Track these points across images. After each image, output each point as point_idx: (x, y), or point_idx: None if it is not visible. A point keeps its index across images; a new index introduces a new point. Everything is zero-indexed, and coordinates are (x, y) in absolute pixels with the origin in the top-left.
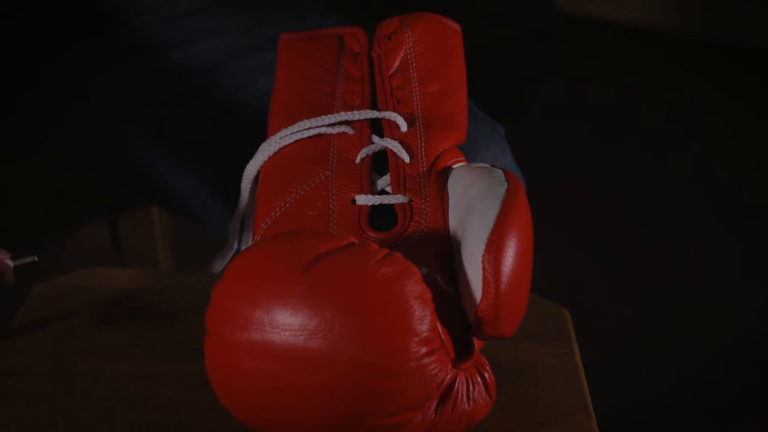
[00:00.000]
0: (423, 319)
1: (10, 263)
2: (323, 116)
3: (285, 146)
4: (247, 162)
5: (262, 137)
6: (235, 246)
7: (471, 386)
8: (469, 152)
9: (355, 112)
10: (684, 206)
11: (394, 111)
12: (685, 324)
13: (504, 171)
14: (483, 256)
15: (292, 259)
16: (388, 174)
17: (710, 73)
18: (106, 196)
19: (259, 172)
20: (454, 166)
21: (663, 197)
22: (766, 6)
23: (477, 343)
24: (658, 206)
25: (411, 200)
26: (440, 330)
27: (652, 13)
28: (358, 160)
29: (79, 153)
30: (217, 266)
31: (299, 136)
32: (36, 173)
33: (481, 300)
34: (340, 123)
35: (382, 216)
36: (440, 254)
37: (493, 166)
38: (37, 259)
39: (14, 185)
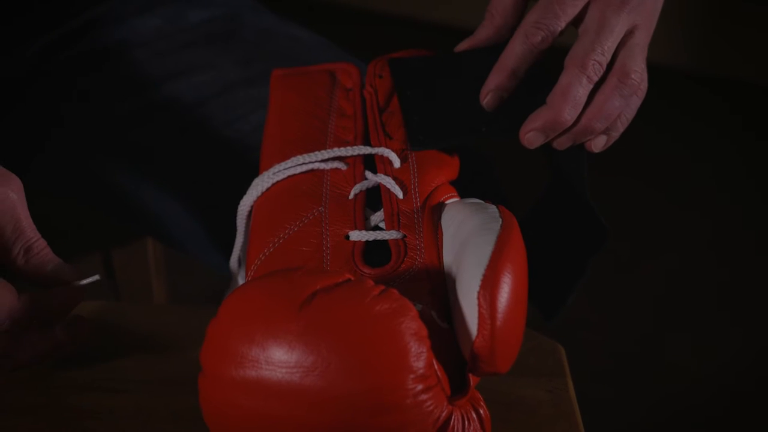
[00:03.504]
0: (419, 355)
1: (80, 283)
2: (316, 152)
3: (278, 182)
4: (241, 196)
5: (256, 171)
6: (238, 282)
7: (466, 422)
8: (462, 187)
9: (348, 147)
10: (680, 239)
11: (387, 147)
12: (683, 360)
13: (498, 206)
14: (478, 293)
15: (288, 296)
16: (382, 210)
17: (702, 107)
18: (100, 230)
19: (252, 207)
20: (447, 202)
21: (660, 230)
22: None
23: (472, 379)
24: (655, 239)
25: (405, 236)
26: (436, 366)
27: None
28: (351, 196)
29: (70, 184)
30: None
31: (292, 171)
32: (31, 206)
33: (477, 336)
34: (333, 159)
35: (376, 252)
36: (435, 290)
37: (486, 201)
38: (99, 278)
39: None
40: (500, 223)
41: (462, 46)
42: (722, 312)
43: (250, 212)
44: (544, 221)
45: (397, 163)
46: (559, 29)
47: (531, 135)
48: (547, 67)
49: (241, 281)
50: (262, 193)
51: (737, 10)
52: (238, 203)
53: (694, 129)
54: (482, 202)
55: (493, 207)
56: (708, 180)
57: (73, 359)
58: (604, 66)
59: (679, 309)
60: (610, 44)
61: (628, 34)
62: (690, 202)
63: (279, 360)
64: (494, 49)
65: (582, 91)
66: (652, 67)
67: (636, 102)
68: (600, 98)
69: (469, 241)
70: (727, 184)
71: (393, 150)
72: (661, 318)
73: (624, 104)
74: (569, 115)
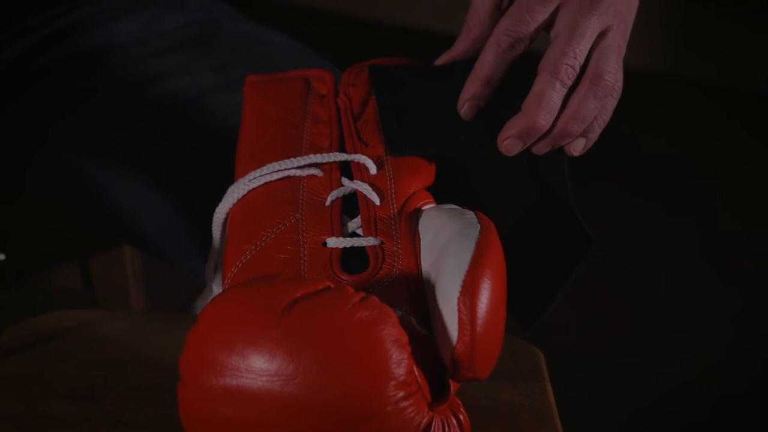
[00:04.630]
0: (400, 362)
1: None
2: (292, 159)
3: (253, 189)
4: (219, 201)
5: (233, 177)
6: (213, 290)
7: (447, 428)
8: (438, 193)
9: (324, 154)
10: (666, 243)
11: (362, 154)
12: (662, 365)
13: (475, 212)
14: (458, 299)
15: (268, 303)
16: (359, 216)
17: (683, 111)
18: (77, 238)
19: (228, 215)
20: (424, 208)
21: (645, 233)
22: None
23: (452, 385)
24: (639, 243)
25: (382, 242)
26: (416, 373)
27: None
28: (328, 203)
29: (49, 189)
30: (196, 310)
31: (268, 178)
32: (5, 213)
33: (457, 342)
34: (309, 165)
35: (353, 258)
36: (413, 296)
37: (463, 207)
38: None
39: None
40: (478, 228)
41: (441, 60)
42: (705, 317)
43: (225, 219)
44: (531, 234)
45: (373, 169)
46: (530, 35)
47: (508, 142)
48: (523, 74)
49: (217, 289)
50: (238, 201)
51: (730, 16)
52: (215, 209)
53: (690, 134)
54: (459, 208)
55: (471, 213)
56: (697, 185)
57: (49, 368)
58: (577, 69)
59: (657, 315)
60: (582, 48)
61: (601, 36)
62: (676, 206)
63: (259, 368)
64: (472, 61)
65: (556, 97)
66: (651, 75)
67: (612, 103)
68: (575, 102)
69: (448, 247)
70: (716, 189)
71: (368, 156)
72: (639, 324)
73: (599, 106)
74: (544, 120)
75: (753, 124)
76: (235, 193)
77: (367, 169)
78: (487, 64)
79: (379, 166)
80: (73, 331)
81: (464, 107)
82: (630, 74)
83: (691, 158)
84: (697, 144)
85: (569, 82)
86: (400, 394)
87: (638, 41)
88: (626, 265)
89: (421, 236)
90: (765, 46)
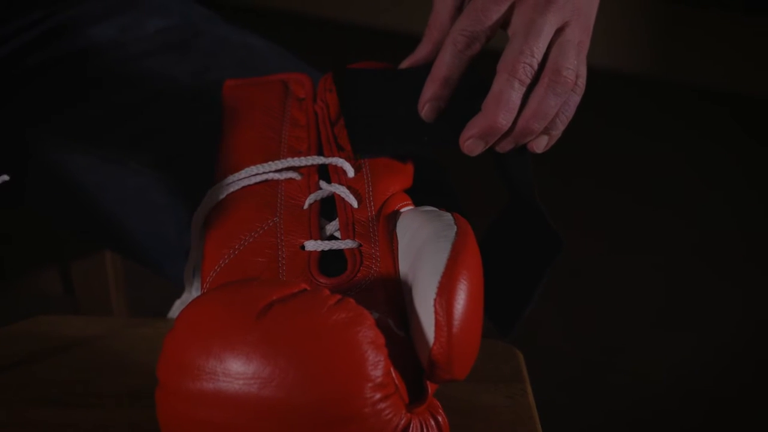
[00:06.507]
0: (377, 364)
1: None
2: (270, 162)
3: (232, 192)
4: (199, 206)
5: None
6: (192, 294)
7: (425, 430)
8: (416, 195)
9: (302, 158)
10: (654, 243)
11: (340, 158)
12: (644, 366)
13: (452, 214)
14: (435, 300)
15: (245, 307)
16: (337, 219)
17: (675, 112)
18: (59, 243)
19: (206, 219)
20: (402, 210)
21: (622, 234)
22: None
23: (430, 387)
24: (618, 243)
25: (360, 245)
26: (394, 375)
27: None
28: (306, 206)
29: (35, 194)
30: (174, 314)
31: (246, 182)
32: None
33: (434, 343)
34: (287, 169)
35: (332, 261)
36: (391, 298)
37: (441, 209)
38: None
39: None
40: (455, 230)
41: (404, 64)
42: (692, 317)
43: (204, 223)
44: (504, 237)
45: (351, 172)
46: (485, 34)
47: (470, 143)
48: (484, 74)
49: (195, 293)
50: (216, 204)
51: (718, 19)
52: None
53: (681, 134)
54: (437, 209)
55: (448, 215)
56: (689, 184)
57: (30, 373)
58: (535, 67)
59: (643, 314)
60: (539, 45)
61: (559, 32)
62: (666, 205)
63: (236, 371)
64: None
65: (515, 95)
66: (643, 77)
67: (574, 98)
68: (534, 99)
69: (425, 249)
70: (708, 188)
71: (346, 160)
72: (625, 323)
73: (560, 102)
74: (504, 120)
75: (747, 124)
76: (213, 196)
77: (344, 172)
78: (444, 65)
79: (357, 169)
80: (53, 336)
81: (425, 108)
82: (623, 76)
83: (685, 157)
84: (691, 144)
85: (527, 80)
86: (377, 395)
87: (628, 44)
88: (611, 264)
89: (398, 238)
90: (756, 47)
